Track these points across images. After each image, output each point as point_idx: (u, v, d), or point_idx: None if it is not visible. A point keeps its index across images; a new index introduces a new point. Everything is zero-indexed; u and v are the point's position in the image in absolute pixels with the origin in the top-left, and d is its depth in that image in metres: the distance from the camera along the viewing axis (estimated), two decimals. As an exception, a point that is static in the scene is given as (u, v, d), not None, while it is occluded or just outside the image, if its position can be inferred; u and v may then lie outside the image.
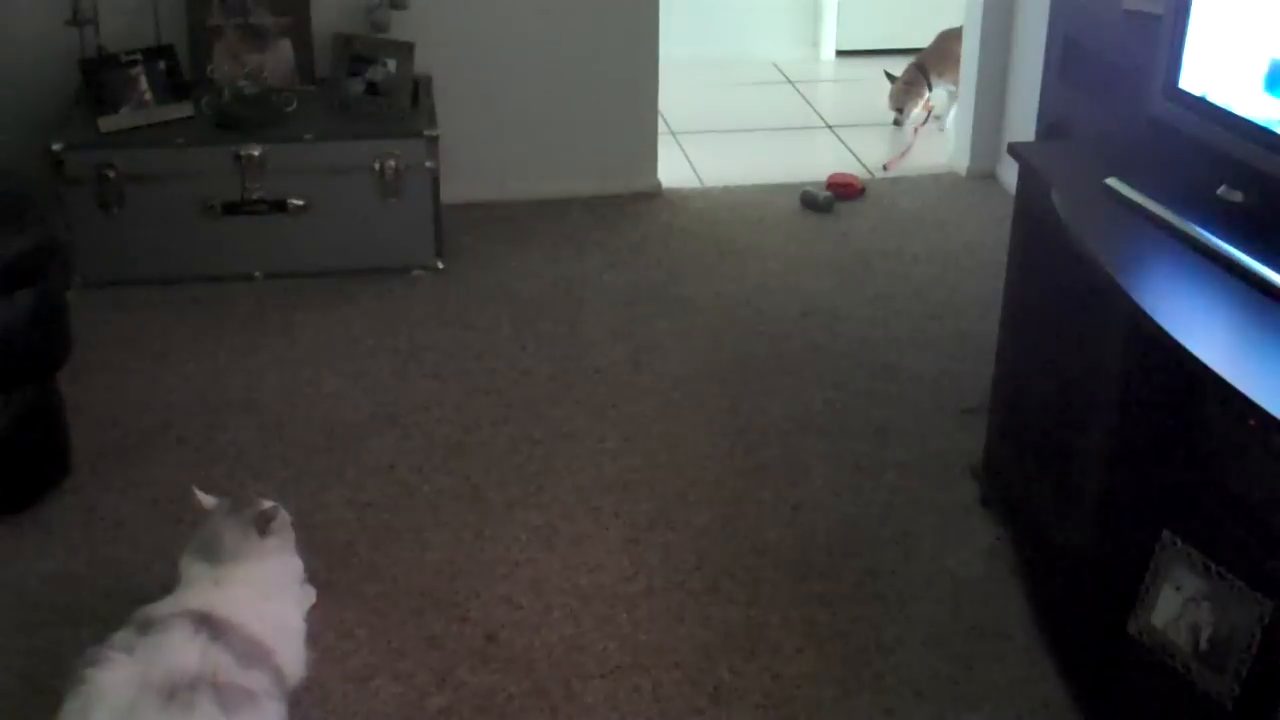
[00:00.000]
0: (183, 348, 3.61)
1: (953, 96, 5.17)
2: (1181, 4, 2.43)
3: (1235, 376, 1.86)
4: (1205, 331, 2.07)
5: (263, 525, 2.39)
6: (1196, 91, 2.40)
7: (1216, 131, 2.34)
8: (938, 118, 5.31)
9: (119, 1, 4.07)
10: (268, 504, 2.42)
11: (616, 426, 3.26)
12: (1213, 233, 2.25)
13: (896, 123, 5.26)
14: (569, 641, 2.56)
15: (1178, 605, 2.30)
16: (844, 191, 4.62)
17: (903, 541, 2.86)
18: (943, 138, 5.18)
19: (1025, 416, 2.83)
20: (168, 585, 2.35)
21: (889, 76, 5.31)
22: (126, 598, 2.40)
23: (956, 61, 4.98)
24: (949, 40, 5.16)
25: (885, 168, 4.92)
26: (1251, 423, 2.07)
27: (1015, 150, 2.74)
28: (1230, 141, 2.30)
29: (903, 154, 5.03)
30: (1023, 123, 4.40)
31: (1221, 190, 2.37)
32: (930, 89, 5.23)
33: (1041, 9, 3.44)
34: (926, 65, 5.23)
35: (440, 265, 4.05)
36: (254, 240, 3.94)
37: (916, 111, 5.26)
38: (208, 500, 2.45)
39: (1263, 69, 2.23)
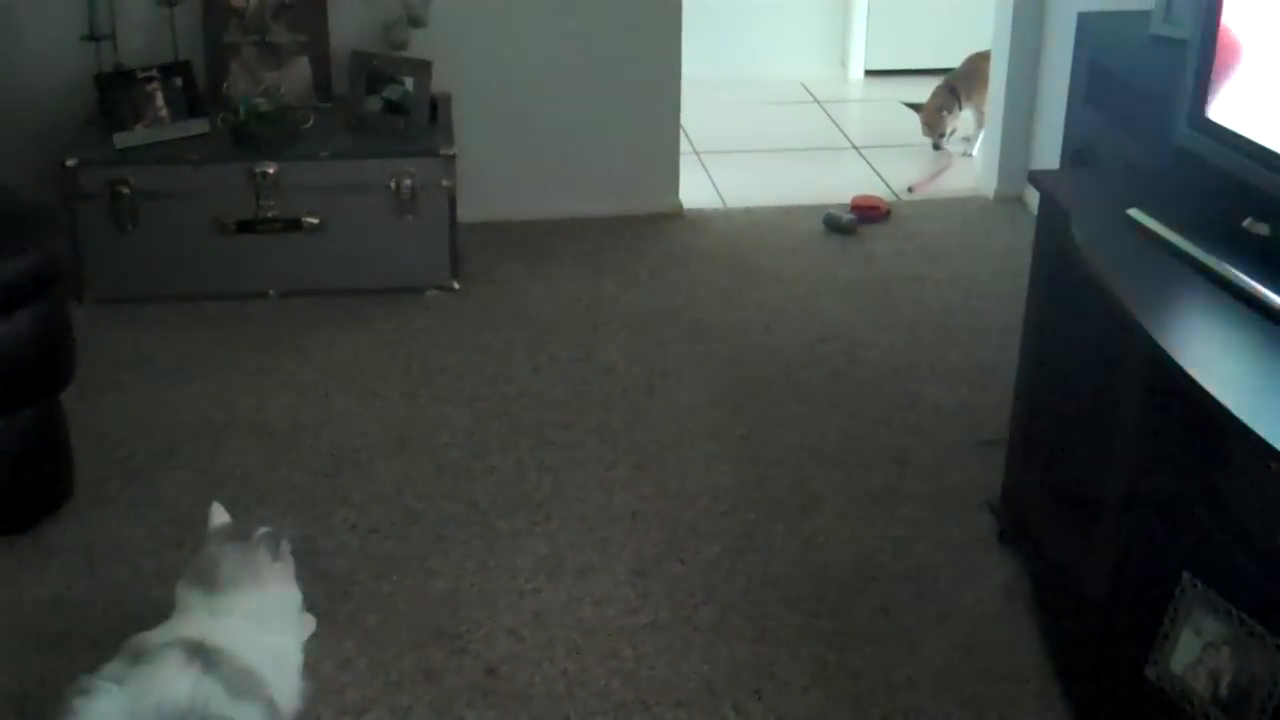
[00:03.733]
0: (193, 367, 3.58)
1: (980, 120, 5.10)
2: (1209, 30, 2.36)
3: (1256, 419, 1.79)
4: (1226, 371, 2.00)
5: (273, 547, 2.35)
6: (1223, 121, 2.33)
7: (1243, 162, 2.27)
8: (965, 139, 5.24)
9: (136, 18, 4.06)
10: (263, 530, 2.37)
11: (628, 453, 3.21)
12: (1237, 267, 2.18)
13: (936, 146, 5.22)
14: (571, 677, 2.50)
15: (1197, 650, 2.23)
16: (868, 214, 4.56)
17: (917, 577, 2.79)
18: (969, 162, 5.11)
19: (1044, 451, 2.76)
20: (166, 611, 2.31)
21: (911, 107, 5.25)
22: (124, 623, 2.35)
23: (985, 83, 4.92)
24: (979, 62, 5.10)
25: (910, 190, 4.86)
26: (1272, 466, 2.00)
27: (1036, 178, 2.68)
28: (1257, 173, 2.23)
29: (934, 176, 4.96)
30: (1050, 147, 4.33)
31: (1247, 223, 2.29)
32: (960, 108, 5.17)
33: (1070, 32, 3.37)
34: (957, 87, 5.18)
35: (456, 285, 4.00)
36: (268, 258, 3.91)
37: (950, 132, 5.21)
38: (221, 518, 2.41)
39: (1290, 99, 2.16)
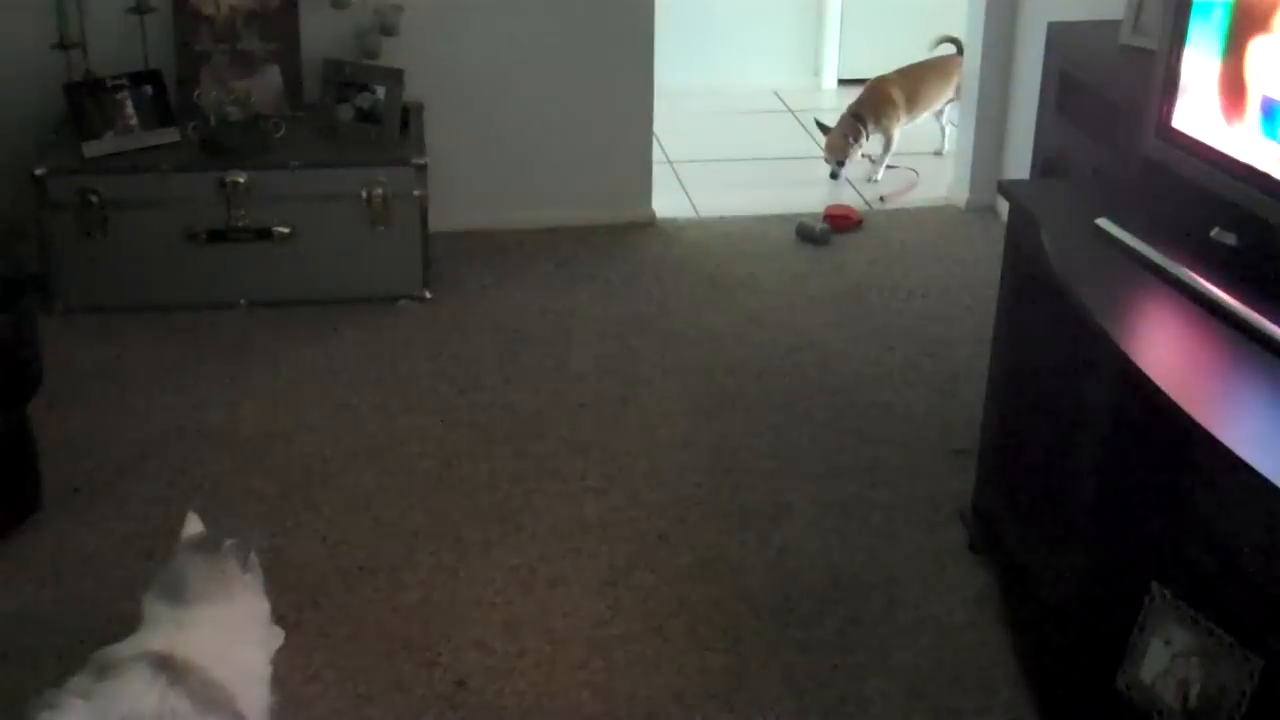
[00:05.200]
0: (163, 377, 3.56)
1: (887, 143, 5.11)
2: (1176, 41, 2.37)
3: (1222, 429, 1.80)
4: (1194, 381, 2.00)
5: (242, 558, 2.32)
6: (1190, 131, 2.34)
7: (1210, 173, 2.28)
8: (872, 160, 5.17)
9: (106, 26, 4.03)
10: (231, 541, 2.35)
11: (599, 464, 3.20)
12: (1204, 277, 2.18)
13: (833, 175, 5.06)
14: (540, 689, 2.49)
15: (1166, 660, 2.23)
16: (841, 223, 4.57)
17: (887, 587, 2.78)
18: (941, 170, 5.12)
19: (1014, 460, 2.76)
20: (134, 623, 2.28)
21: (821, 127, 5.19)
22: (92, 637, 2.32)
23: (891, 106, 5.02)
24: (881, 85, 5.15)
25: (882, 199, 4.86)
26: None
27: (1005, 188, 2.69)
28: (1224, 183, 2.24)
29: (906, 189, 4.96)
30: (1021, 157, 4.34)
31: (1215, 233, 2.30)
32: (867, 137, 5.09)
33: (1040, 41, 3.38)
34: (863, 114, 5.09)
35: (428, 295, 3.99)
36: (239, 268, 3.89)
37: (852, 162, 5.10)
38: (195, 527, 2.39)
39: (1258, 110, 2.17)
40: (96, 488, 3.08)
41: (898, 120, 5.12)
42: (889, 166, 5.14)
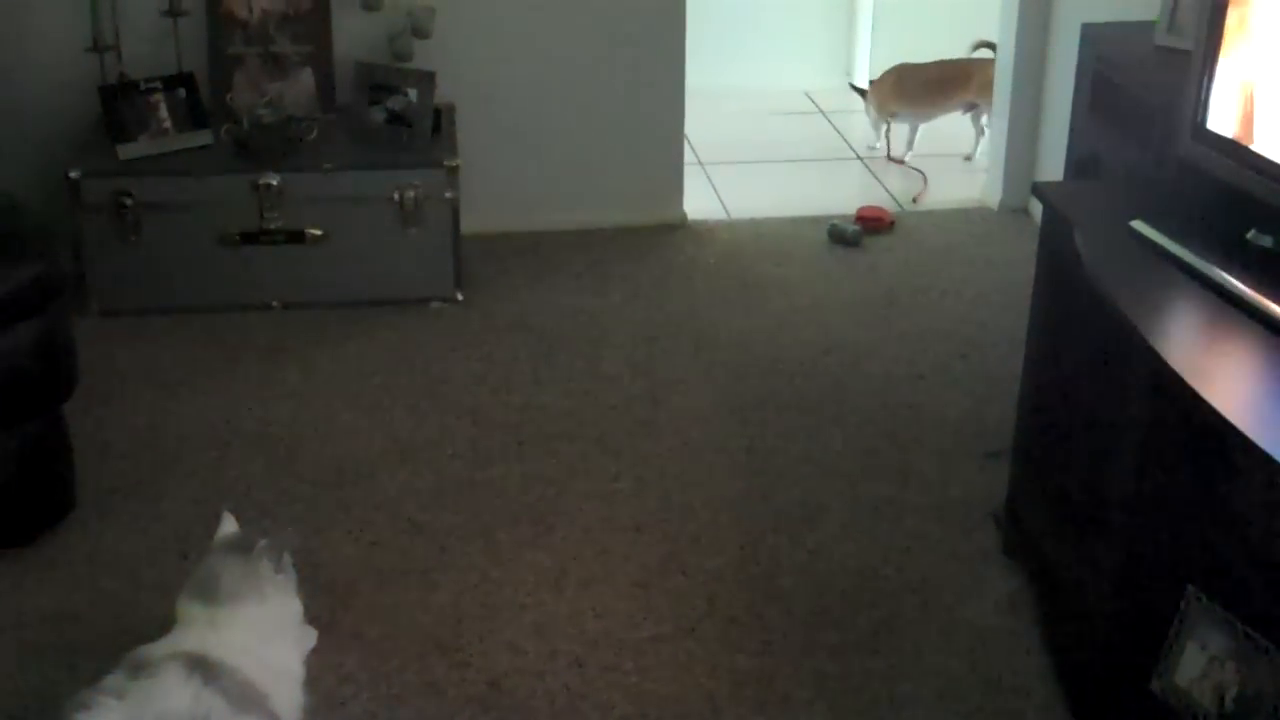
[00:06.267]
0: (197, 378, 3.58)
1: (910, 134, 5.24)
2: (1212, 41, 2.35)
3: (1260, 433, 1.78)
4: (1231, 384, 1.99)
5: (275, 558, 2.34)
6: (1225, 132, 2.32)
7: (1246, 174, 2.26)
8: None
9: (140, 29, 4.05)
10: (264, 541, 2.36)
11: (631, 465, 3.20)
12: (1240, 279, 2.16)
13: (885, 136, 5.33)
14: (572, 690, 2.49)
15: (1202, 664, 2.21)
16: (874, 225, 4.56)
17: (920, 590, 2.78)
18: (973, 172, 5.10)
19: (1048, 463, 2.75)
20: (168, 624, 2.29)
21: (857, 90, 5.40)
22: (125, 637, 2.33)
23: (887, 96, 5.22)
24: (889, 74, 5.30)
25: (915, 200, 4.85)
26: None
27: (1039, 190, 2.67)
28: (1260, 185, 2.22)
29: (924, 188, 4.97)
30: (1055, 158, 4.32)
31: (1251, 235, 2.28)
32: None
33: (1074, 42, 3.36)
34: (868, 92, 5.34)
35: (459, 297, 4.00)
36: (272, 270, 3.91)
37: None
38: (230, 527, 2.40)
39: (1294, 110, 2.15)
40: (131, 488, 3.10)
41: (891, 108, 5.25)
42: (902, 163, 5.21)
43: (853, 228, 4.49)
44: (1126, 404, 2.30)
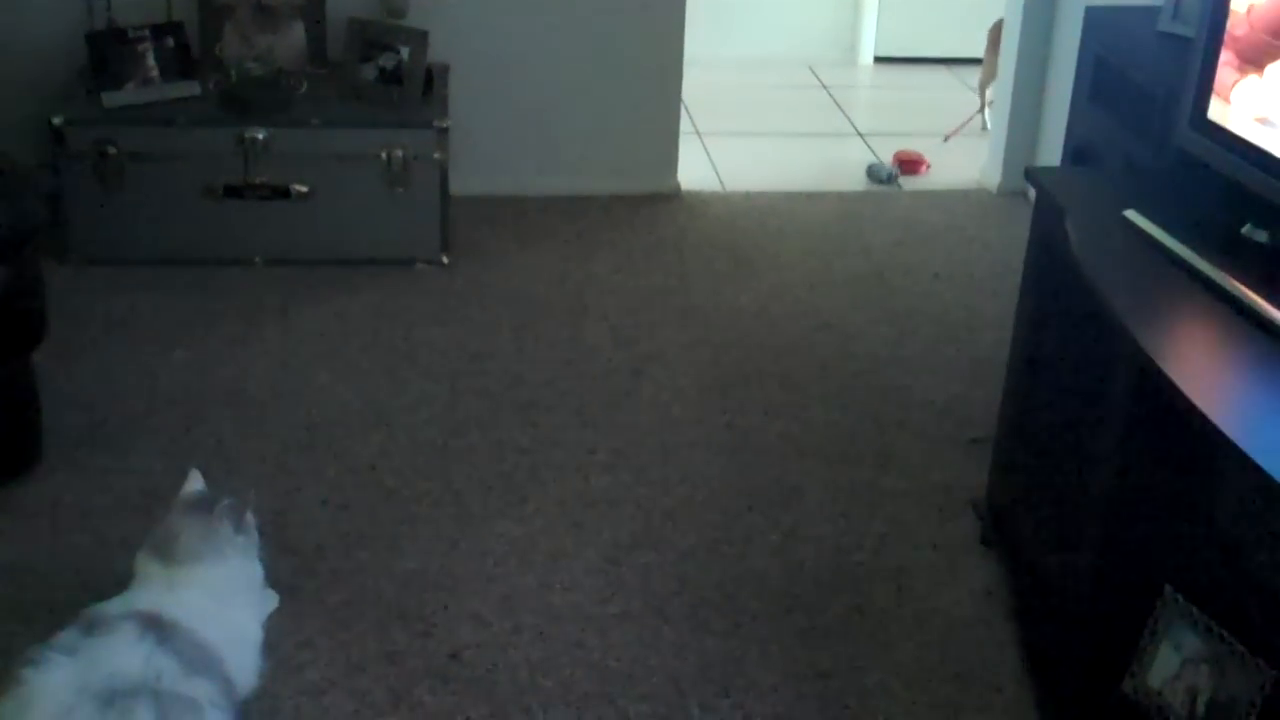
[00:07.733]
0: (174, 332, 3.52)
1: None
2: (1214, 29, 2.30)
3: (1241, 434, 1.73)
4: (1216, 383, 1.94)
5: (235, 519, 2.29)
6: (1225, 123, 2.27)
7: (1244, 167, 2.20)
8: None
9: (131, -26, 3.99)
10: (226, 501, 2.32)
11: (608, 438, 3.15)
12: (1232, 275, 2.11)
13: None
14: (534, 665, 2.45)
15: (1176, 666, 2.17)
16: (910, 168, 4.84)
17: (895, 577, 2.73)
18: (975, 153, 5.03)
19: (1030, 453, 2.70)
20: (128, 581, 2.25)
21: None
22: (86, 593, 2.29)
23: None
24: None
25: (945, 139, 5.04)
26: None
27: (1032, 174, 2.62)
28: (1258, 178, 2.17)
29: (965, 123, 5.14)
30: (1055, 143, 4.26)
31: (1246, 229, 2.23)
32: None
33: (1080, 25, 3.30)
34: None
35: (445, 260, 3.94)
36: (255, 225, 3.85)
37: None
38: (195, 485, 2.36)
39: (1295, 103, 2.10)
40: (99, 441, 3.05)
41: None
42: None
43: (890, 169, 4.74)
44: (1110, 397, 2.25)
